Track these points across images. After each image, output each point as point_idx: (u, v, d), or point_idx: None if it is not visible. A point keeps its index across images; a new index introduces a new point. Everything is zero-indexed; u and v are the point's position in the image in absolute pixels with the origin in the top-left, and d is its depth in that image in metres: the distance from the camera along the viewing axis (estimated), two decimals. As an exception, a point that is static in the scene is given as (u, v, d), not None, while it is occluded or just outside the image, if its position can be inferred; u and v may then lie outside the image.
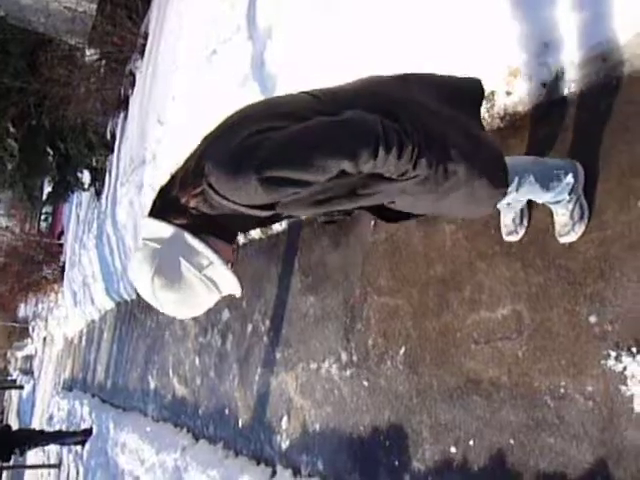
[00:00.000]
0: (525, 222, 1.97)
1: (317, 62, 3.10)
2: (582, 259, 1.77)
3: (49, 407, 12.50)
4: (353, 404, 2.71)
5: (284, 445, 3.23)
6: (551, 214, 1.85)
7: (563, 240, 1.83)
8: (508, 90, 2.08)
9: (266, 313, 3.75)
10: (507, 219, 2.00)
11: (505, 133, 2.14)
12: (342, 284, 2.94)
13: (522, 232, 1.98)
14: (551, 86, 1.98)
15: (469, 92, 1.46)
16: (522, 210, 1.97)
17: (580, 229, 1.78)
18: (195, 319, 4.91)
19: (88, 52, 7.62)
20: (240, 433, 3.78)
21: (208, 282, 1.19)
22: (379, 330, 2.63)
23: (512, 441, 1.88)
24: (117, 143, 7.88)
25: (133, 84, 7.17)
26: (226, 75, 4.09)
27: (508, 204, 1.85)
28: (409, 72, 1.41)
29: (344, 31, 2.86)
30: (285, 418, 3.27)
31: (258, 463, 3.45)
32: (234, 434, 3.86)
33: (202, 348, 4.70)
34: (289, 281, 3.50)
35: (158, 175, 5.73)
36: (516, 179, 1.54)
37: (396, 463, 2.37)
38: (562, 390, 1.75)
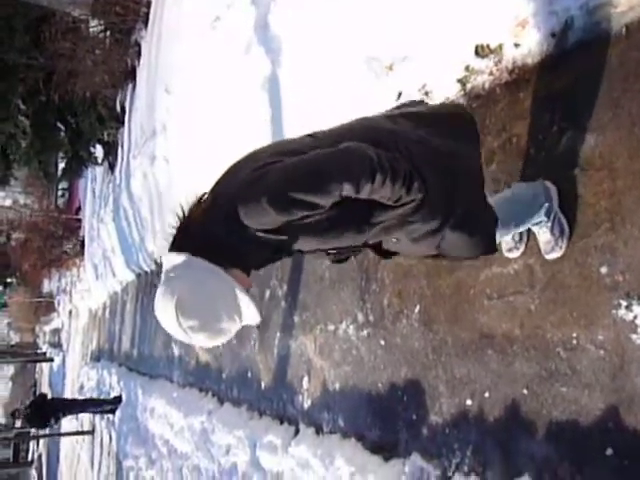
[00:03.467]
0: (525, 239, 1.97)
1: (322, 22, 3.05)
2: (592, 211, 1.77)
3: (79, 377, 12.94)
4: (371, 362, 2.77)
5: (306, 404, 3.33)
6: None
7: (549, 257, 1.87)
8: (516, 42, 2.04)
9: (283, 278, 3.81)
10: (507, 238, 2.00)
11: (514, 87, 2.11)
12: (356, 246, 2.97)
13: (522, 248, 1.99)
14: (560, 36, 1.94)
15: (456, 122, 1.54)
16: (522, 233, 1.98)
17: (564, 243, 1.83)
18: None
19: (92, 23, 7.55)
20: (263, 395, 3.90)
21: (231, 309, 1.23)
22: (394, 290, 2.67)
23: (526, 392, 1.93)
24: (127, 115, 7.87)
25: (139, 54, 7.11)
26: (231, 41, 4.05)
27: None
28: (396, 112, 1.51)
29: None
30: (305, 378, 3.36)
31: (281, 422, 3.57)
32: (257, 396, 3.98)
33: (222, 315, 4.80)
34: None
35: (169, 146, 5.74)
36: (499, 227, 1.58)
37: (414, 417, 2.44)
38: (574, 341, 1.78)
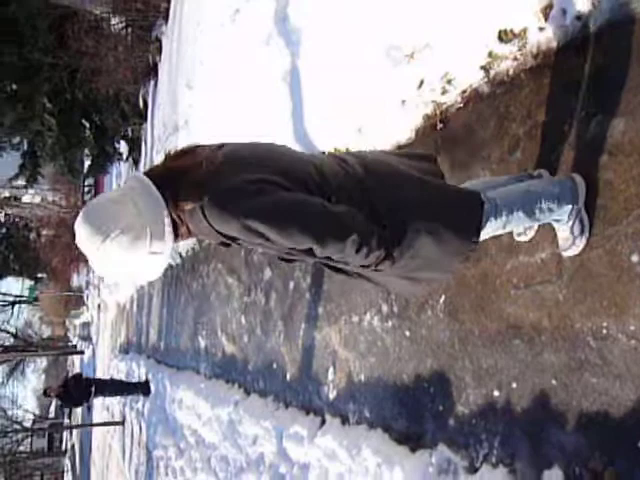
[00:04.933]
0: (535, 225, 1.96)
1: (341, 12, 3.03)
2: (622, 198, 1.73)
3: (109, 369, 13.22)
4: (396, 354, 2.77)
5: (331, 395, 3.34)
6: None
7: (566, 254, 1.86)
8: (541, 26, 1.99)
9: (307, 270, 3.82)
10: (519, 228, 2.00)
11: (539, 72, 2.07)
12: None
13: (532, 234, 2.00)
14: (587, 18, 1.88)
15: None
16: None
17: (581, 242, 1.81)
18: (239, 279, 5.06)
19: (113, 21, 7.63)
20: (289, 386, 3.93)
21: (148, 252, 1.31)
22: (418, 281, 2.65)
23: (554, 382, 1.90)
24: (150, 111, 7.96)
25: (160, 50, 7.17)
26: (251, 34, 4.05)
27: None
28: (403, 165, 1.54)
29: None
30: (331, 370, 3.37)
31: (307, 413, 3.59)
32: (283, 387, 4.01)
33: (247, 307, 4.85)
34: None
35: (192, 140, 5.78)
36: (503, 215, 1.63)
37: (440, 408, 2.43)
38: (604, 330, 1.75)
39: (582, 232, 1.80)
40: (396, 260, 1.40)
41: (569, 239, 1.83)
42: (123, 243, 1.26)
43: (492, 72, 2.27)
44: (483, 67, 2.28)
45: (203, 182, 1.30)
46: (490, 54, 2.23)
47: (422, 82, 2.56)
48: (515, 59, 2.15)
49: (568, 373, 1.85)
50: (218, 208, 1.26)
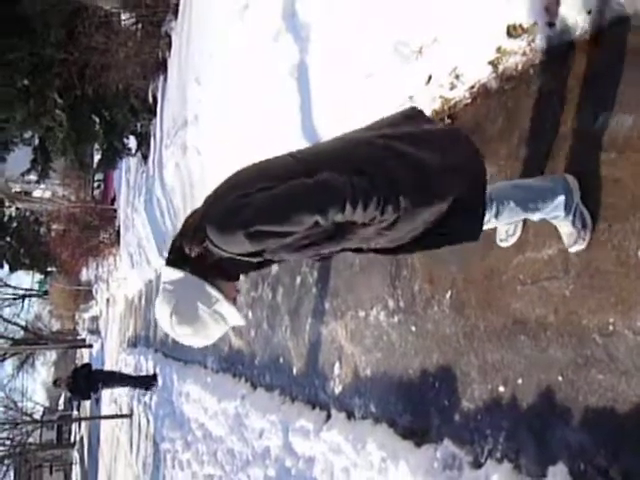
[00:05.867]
0: (518, 231, 2.05)
1: (349, 8, 3.03)
2: (630, 194, 1.72)
3: (117, 363, 13.33)
4: (402, 349, 2.77)
5: (337, 390, 3.36)
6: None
7: (573, 250, 1.86)
8: (550, 21, 1.98)
9: (313, 265, 3.83)
10: (501, 229, 2.10)
11: (548, 68, 2.06)
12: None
13: (514, 240, 2.07)
14: (597, 13, 1.87)
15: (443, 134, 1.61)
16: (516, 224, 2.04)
17: (587, 235, 1.81)
18: (246, 274, 5.08)
19: (123, 16, 7.66)
20: (295, 380, 3.95)
21: (217, 317, 1.47)
22: (424, 276, 2.65)
23: (560, 378, 1.90)
24: (159, 106, 7.99)
25: (169, 45, 7.18)
26: (260, 29, 4.05)
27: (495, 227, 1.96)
28: (378, 133, 1.56)
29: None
30: (337, 364, 3.38)
31: (313, 407, 3.61)
32: (289, 381, 4.03)
33: (254, 302, 4.87)
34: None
35: (201, 136, 5.81)
36: (494, 207, 1.67)
37: (446, 403, 2.44)
38: (611, 327, 1.74)
39: (584, 225, 1.81)
40: (402, 209, 1.41)
41: (573, 234, 1.83)
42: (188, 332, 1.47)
43: (500, 67, 2.26)
44: (491, 62, 2.28)
45: (200, 220, 1.41)
46: (499, 49, 2.22)
47: (430, 78, 2.55)
48: (524, 54, 2.14)
49: (574, 369, 1.85)
50: (218, 229, 1.35)
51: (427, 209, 1.46)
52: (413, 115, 1.65)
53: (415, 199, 1.42)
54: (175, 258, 1.47)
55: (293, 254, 1.45)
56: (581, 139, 1.91)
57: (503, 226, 2.06)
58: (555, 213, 1.81)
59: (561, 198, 1.77)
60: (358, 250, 1.62)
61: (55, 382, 8.80)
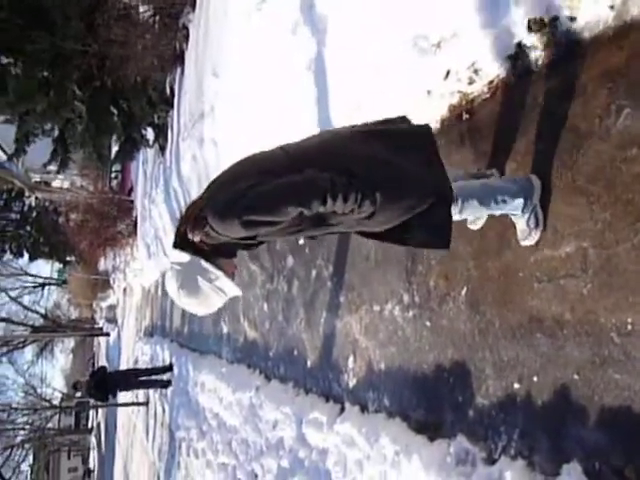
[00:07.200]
0: (540, 227, 2.13)
1: (368, 0, 3.00)
2: (652, 192, 1.70)
3: (134, 352, 13.52)
4: (416, 344, 2.78)
5: (351, 383, 3.38)
6: None
7: (523, 244, 2.10)
8: (571, 15, 1.95)
9: (329, 259, 3.84)
10: (482, 217, 2.31)
11: (569, 63, 2.03)
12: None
13: (482, 222, 2.30)
14: (620, 7, 1.84)
15: (419, 138, 1.83)
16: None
17: (536, 235, 2.05)
18: (262, 267, 5.11)
19: (142, 9, 7.68)
20: (309, 373, 3.97)
21: (217, 290, 1.74)
22: (440, 271, 2.65)
23: (576, 377, 1.89)
24: (176, 98, 8.02)
25: (187, 38, 7.20)
26: (277, 22, 4.04)
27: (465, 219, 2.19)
28: (365, 129, 1.81)
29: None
30: (351, 358, 3.40)
31: (327, 400, 3.63)
32: (303, 374, 4.06)
33: (269, 294, 4.90)
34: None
35: (217, 127, 5.83)
36: (459, 202, 1.90)
37: (460, 399, 2.44)
38: (629, 326, 1.73)
39: (537, 225, 2.04)
40: (378, 203, 1.61)
41: (525, 231, 2.07)
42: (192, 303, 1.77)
43: (520, 62, 2.24)
44: (511, 57, 2.25)
45: (201, 210, 1.64)
46: (519, 44, 2.20)
47: (448, 72, 2.53)
48: (544, 49, 2.12)
49: (591, 368, 1.84)
50: (218, 218, 1.58)
51: (399, 204, 1.67)
52: (400, 121, 1.90)
53: (389, 195, 1.63)
54: (181, 242, 1.72)
55: (284, 237, 1.75)
56: (602, 135, 1.88)
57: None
58: (513, 212, 2.05)
59: (520, 200, 2.00)
60: (344, 233, 1.89)
61: (75, 386, 9.13)
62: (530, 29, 2.11)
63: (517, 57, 2.23)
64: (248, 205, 1.55)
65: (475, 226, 2.34)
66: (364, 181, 1.59)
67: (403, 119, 1.91)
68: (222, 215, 1.57)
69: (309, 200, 1.54)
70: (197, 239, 1.67)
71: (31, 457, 29.87)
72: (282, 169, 1.62)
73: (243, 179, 1.61)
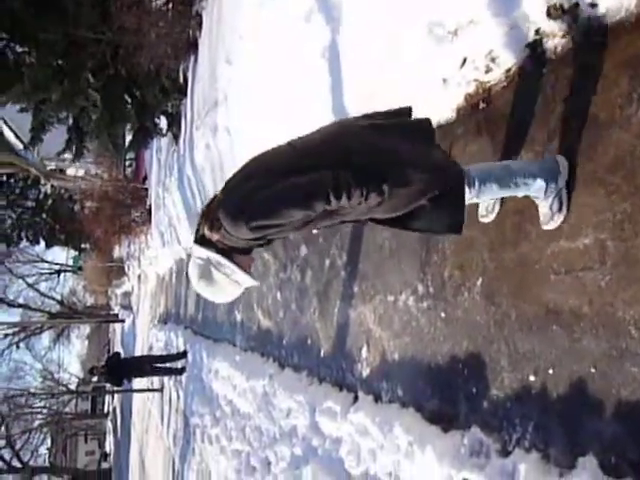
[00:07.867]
0: (497, 208, 2.26)
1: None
2: (674, 184, 1.66)
3: (148, 338, 13.68)
4: (431, 334, 2.77)
5: (365, 373, 3.38)
6: None
7: (545, 228, 2.05)
8: (592, 2, 1.91)
9: (343, 247, 3.83)
10: (482, 206, 2.32)
11: (589, 50, 1.99)
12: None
13: (493, 216, 2.30)
14: (643, -7, 1.79)
15: (422, 130, 1.87)
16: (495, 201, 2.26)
17: (559, 219, 2.00)
18: (275, 256, 5.12)
19: (155, -4, 7.65)
20: (322, 362, 3.99)
21: (234, 282, 1.87)
22: (455, 262, 2.63)
23: (593, 370, 1.87)
24: (190, 86, 8.01)
25: (200, 25, 7.17)
26: (291, 9, 4.01)
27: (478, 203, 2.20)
28: (369, 122, 1.85)
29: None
30: (365, 348, 3.40)
31: (340, 389, 3.65)
32: (317, 363, 4.08)
33: (283, 283, 4.91)
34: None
35: (231, 116, 5.82)
36: (477, 185, 1.87)
37: (474, 390, 2.43)
38: (648, 320, 1.70)
39: (560, 209, 1.99)
40: (386, 194, 1.65)
41: (547, 215, 2.02)
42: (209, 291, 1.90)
43: (539, 50, 2.19)
44: (529, 45, 2.21)
45: (217, 210, 1.73)
46: (537, 31, 2.15)
47: (465, 60, 2.49)
48: (564, 36, 2.07)
49: (608, 361, 1.82)
50: (229, 221, 1.68)
51: (408, 191, 1.71)
52: (404, 113, 1.94)
53: (396, 183, 1.67)
54: (202, 239, 1.84)
55: (294, 233, 1.85)
56: (623, 125, 1.84)
57: (483, 203, 2.27)
58: (535, 194, 1.98)
59: (541, 183, 1.93)
60: (356, 221, 1.92)
61: (91, 371, 9.36)
62: (549, 15, 2.06)
63: (535, 45, 2.19)
64: (254, 211, 1.65)
65: (487, 219, 2.33)
66: (370, 173, 1.64)
67: (408, 110, 1.96)
68: (233, 219, 1.68)
69: (313, 202, 1.62)
70: (215, 238, 1.79)
71: (49, 440, 30.51)
72: (288, 167, 1.69)
73: (253, 178, 1.71)
